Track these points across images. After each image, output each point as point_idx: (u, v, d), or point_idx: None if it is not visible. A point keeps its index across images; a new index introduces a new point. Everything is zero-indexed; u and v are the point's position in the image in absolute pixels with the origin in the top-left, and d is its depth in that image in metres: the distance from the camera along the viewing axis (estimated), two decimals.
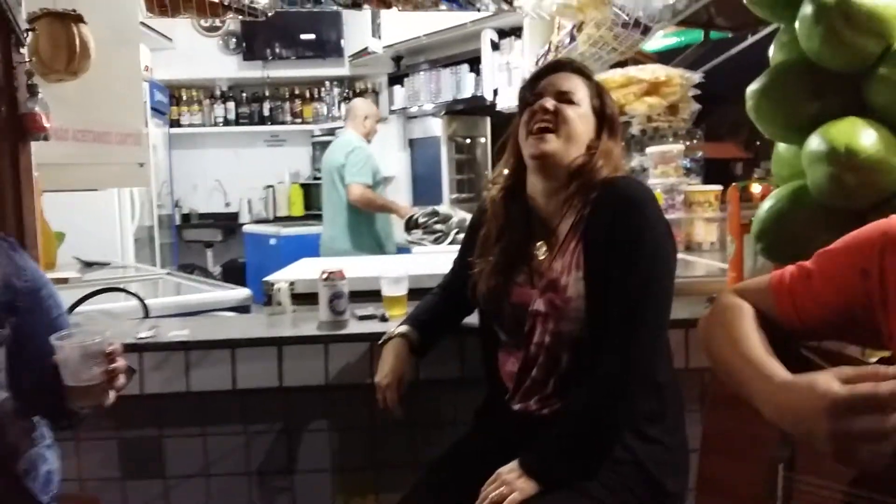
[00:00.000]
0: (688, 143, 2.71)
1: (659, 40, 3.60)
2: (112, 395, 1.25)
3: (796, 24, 1.49)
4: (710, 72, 2.88)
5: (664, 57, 3.45)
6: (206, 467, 1.88)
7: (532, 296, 1.42)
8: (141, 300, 2.17)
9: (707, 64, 3.02)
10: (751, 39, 2.93)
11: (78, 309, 2.06)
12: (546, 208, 1.47)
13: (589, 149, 1.44)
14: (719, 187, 2.56)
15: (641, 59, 3.13)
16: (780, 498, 1.02)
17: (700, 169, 2.75)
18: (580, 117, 1.44)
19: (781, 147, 1.67)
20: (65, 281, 2.22)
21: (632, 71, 2.62)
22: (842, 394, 0.83)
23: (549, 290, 1.40)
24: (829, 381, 0.85)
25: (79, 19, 2.05)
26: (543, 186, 1.46)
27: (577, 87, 1.46)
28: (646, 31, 2.42)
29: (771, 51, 1.71)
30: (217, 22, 5.72)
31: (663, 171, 2.57)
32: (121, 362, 1.24)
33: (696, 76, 2.68)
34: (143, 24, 3.77)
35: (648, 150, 2.65)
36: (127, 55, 2.52)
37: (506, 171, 1.54)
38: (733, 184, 1.89)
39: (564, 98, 1.44)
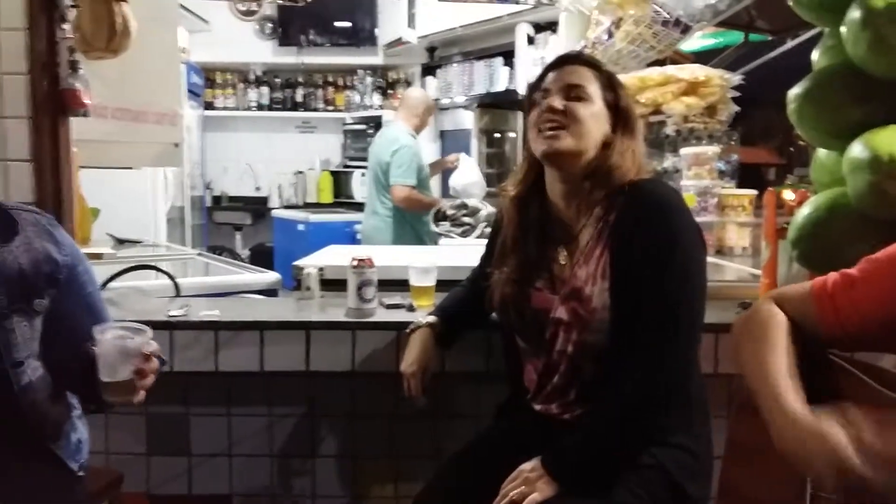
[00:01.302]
0: (723, 145, 2.68)
1: (697, 41, 3.56)
2: (142, 394, 1.27)
3: (842, 29, 1.46)
4: (746, 75, 2.84)
5: (702, 57, 3.41)
6: (229, 447, 1.92)
7: (553, 302, 1.39)
8: (172, 279, 2.20)
9: (745, 66, 2.98)
10: (790, 43, 2.89)
11: (111, 285, 2.09)
12: (566, 211, 1.42)
13: (605, 145, 1.38)
14: (754, 191, 2.53)
15: (679, 58, 3.10)
16: None
17: (734, 172, 2.72)
18: (592, 115, 1.37)
19: (822, 153, 1.64)
20: (99, 256, 2.26)
21: (670, 69, 2.59)
22: (848, 453, 0.85)
23: (572, 298, 1.36)
24: (837, 433, 0.86)
25: None
26: (561, 188, 1.41)
27: (588, 81, 1.39)
28: (686, 30, 2.39)
29: (814, 55, 1.68)
30: (254, 6, 5.75)
31: (697, 172, 2.55)
32: (154, 363, 1.26)
33: (736, 77, 2.64)
34: (181, 5, 3.80)
35: (682, 151, 2.63)
36: (165, 36, 2.55)
37: (520, 177, 1.49)
38: (769, 188, 1.87)
39: (574, 94, 1.38)
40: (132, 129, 2.41)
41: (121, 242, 3.30)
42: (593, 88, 1.39)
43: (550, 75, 1.42)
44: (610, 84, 1.42)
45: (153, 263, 2.44)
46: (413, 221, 4.05)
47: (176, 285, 2.19)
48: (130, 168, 3.28)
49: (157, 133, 2.54)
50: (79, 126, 1.97)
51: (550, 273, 1.42)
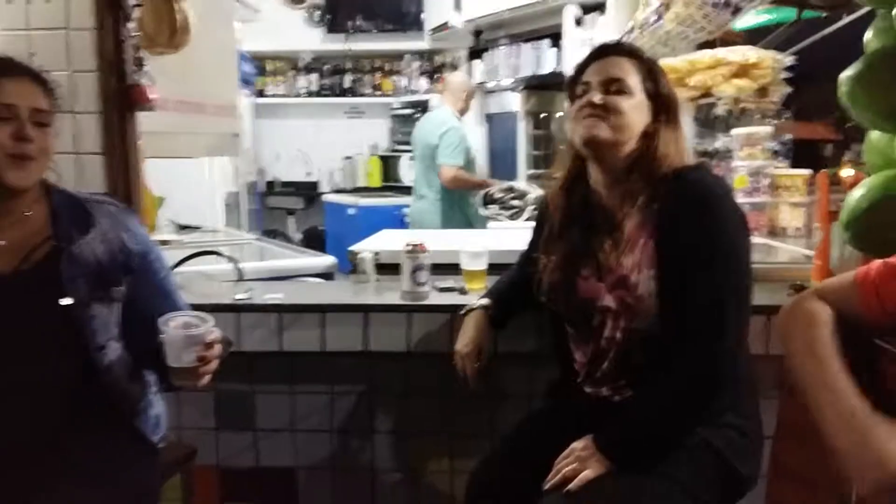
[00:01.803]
0: (776, 122, 2.64)
1: (749, 18, 3.48)
2: (206, 378, 1.33)
3: (894, 12, 1.44)
4: (802, 50, 2.79)
5: (753, 35, 3.34)
6: (292, 423, 2.01)
7: (600, 290, 1.41)
8: (236, 264, 2.30)
9: (799, 44, 2.92)
10: (846, 19, 2.82)
11: (177, 270, 2.20)
12: (609, 200, 1.43)
13: (646, 134, 1.38)
14: (807, 171, 2.50)
15: (730, 37, 3.05)
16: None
17: (788, 152, 2.68)
18: (633, 108, 1.37)
19: (875, 135, 1.63)
20: (166, 243, 2.37)
21: (721, 52, 2.56)
22: None
23: (618, 286, 1.38)
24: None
25: None
26: (604, 178, 1.42)
27: (629, 73, 1.39)
28: (737, 10, 2.36)
29: (867, 36, 1.65)
30: None
31: (749, 153, 2.52)
32: (216, 350, 1.32)
33: (788, 59, 2.60)
34: None
35: (734, 131, 2.60)
36: (222, 30, 2.63)
37: (564, 168, 1.50)
38: (823, 170, 1.85)
39: (615, 88, 1.38)
40: (193, 121, 2.50)
41: (182, 228, 3.43)
42: (633, 80, 1.39)
43: (591, 67, 1.42)
44: (650, 73, 1.41)
45: (215, 248, 2.54)
46: (460, 203, 4.10)
47: (239, 270, 2.29)
48: (190, 158, 3.39)
49: (216, 124, 2.63)
50: (143, 119, 2.06)
51: (596, 261, 1.44)
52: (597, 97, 1.37)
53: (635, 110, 1.38)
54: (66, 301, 1.33)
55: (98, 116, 1.94)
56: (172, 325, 1.29)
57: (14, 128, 1.30)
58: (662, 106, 1.40)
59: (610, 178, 1.42)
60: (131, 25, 2.00)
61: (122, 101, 1.97)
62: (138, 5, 2.03)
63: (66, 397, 1.33)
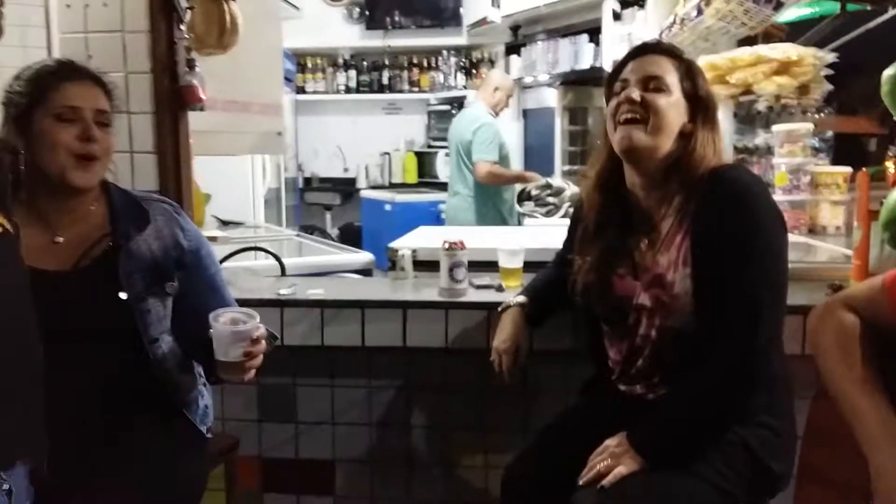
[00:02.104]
0: (817, 116, 2.61)
1: (792, 11, 3.43)
2: (251, 373, 1.39)
3: None
4: (846, 43, 2.74)
5: (796, 28, 3.29)
6: (332, 416, 2.06)
7: (636, 288, 1.42)
8: (279, 260, 2.36)
9: (843, 37, 2.87)
10: (891, 12, 2.76)
11: (223, 265, 2.26)
12: (646, 202, 1.44)
13: (682, 135, 1.38)
14: (848, 169, 2.46)
15: (772, 30, 3.01)
16: None
17: (829, 149, 2.65)
18: (671, 106, 1.37)
19: None
20: (214, 239, 2.44)
21: (762, 50, 2.53)
22: None
23: (654, 285, 1.39)
24: None
25: None
26: (640, 181, 1.43)
27: (667, 71, 1.39)
28: (778, 6, 2.33)
29: None
30: None
31: (790, 150, 2.50)
32: (262, 346, 1.37)
33: (830, 56, 2.56)
34: None
35: (775, 127, 2.57)
36: (269, 31, 2.69)
37: (599, 166, 1.50)
38: (863, 168, 1.83)
39: (653, 85, 1.38)
40: (239, 120, 2.57)
41: (225, 224, 3.52)
42: (672, 79, 1.39)
43: (629, 65, 1.43)
44: (689, 73, 1.41)
45: (259, 244, 2.61)
46: (494, 200, 4.12)
47: (282, 265, 2.35)
48: (235, 155, 3.48)
49: (261, 122, 2.69)
50: (192, 118, 2.12)
51: (632, 260, 1.45)
52: (635, 93, 1.38)
53: (673, 109, 1.38)
54: (123, 295, 1.39)
55: (151, 116, 2.00)
56: (221, 321, 1.34)
57: (80, 129, 1.36)
58: (700, 106, 1.40)
59: (647, 181, 1.43)
60: (183, 28, 2.06)
61: (174, 101, 2.02)
62: (190, 8, 2.09)
63: (121, 387, 1.40)
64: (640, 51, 1.46)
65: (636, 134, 1.37)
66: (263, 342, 1.37)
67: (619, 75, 1.44)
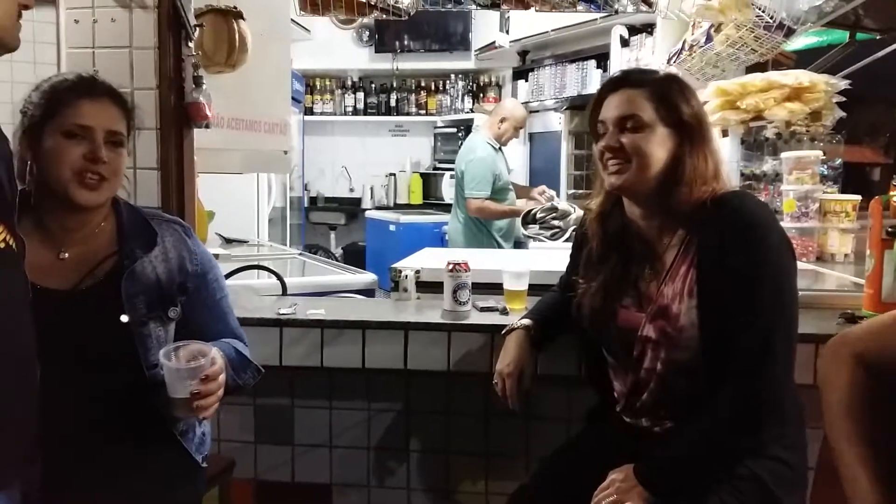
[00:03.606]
0: (826, 147, 2.59)
1: (800, 39, 3.44)
2: (204, 412, 1.29)
3: None
4: (851, 73, 2.74)
5: (805, 56, 3.30)
6: (330, 438, 2.02)
7: (640, 320, 1.39)
8: (280, 279, 2.34)
9: (852, 66, 2.87)
10: None
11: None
12: (647, 232, 1.42)
13: (673, 160, 1.34)
14: (857, 197, 2.44)
15: (781, 59, 3.02)
16: None
17: (838, 176, 2.63)
18: (651, 142, 1.33)
19: None
20: (216, 257, 2.41)
21: (774, 75, 2.52)
22: None
23: (659, 317, 1.36)
24: None
25: (238, 16, 2.21)
26: (639, 211, 1.41)
27: (641, 107, 1.35)
28: (789, 33, 2.33)
29: None
30: (354, 17, 5.94)
31: (798, 177, 2.48)
32: (212, 385, 1.28)
33: (842, 83, 2.55)
34: None
35: (784, 154, 2.56)
36: (278, 50, 2.70)
37: (600, 199, 1.48)
38: (876, 196, 1.81)
39: (630, 125, 1.35)
40: (246, 138, 2.57)
41: (228, 242, 3.51)
42: (647, 114, 1.35)
43: (605, 102, 1.40)
44: (664, 100, 1.35)
45: (261, 263, 2.59)
46: (488, 226, 4.10)
47: (283, 284, 2.33)
48: (240, 173, 3.47)
49: (268, 141, 2.69)
50: (198, 135, 2.11)
51: (637, 291, 1.42)
52: (614, 140, 1.36)
53: (654, 144, 1.34)
54: (125, 318, 1.36)
55: (156, 133, 1.99)
56: (162, 358, 1.27)
57: (87, 149, 1.33)
58: (686, 130, 1.36)
59: (644, 211, 1.41)
60: (192, 45, 2.06)
61: (179, 118, 2.01)
62: (199, 25, 2.10)
63: (117, 412, 1.36)
64: (612, 86, 1.41)
65: (623, 176, 1.36)
66: (217, 381, 1.29)
67: (598, 115, 1.42)
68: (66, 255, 1.38)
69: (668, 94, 1.37)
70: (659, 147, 1.35)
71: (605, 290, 1.44)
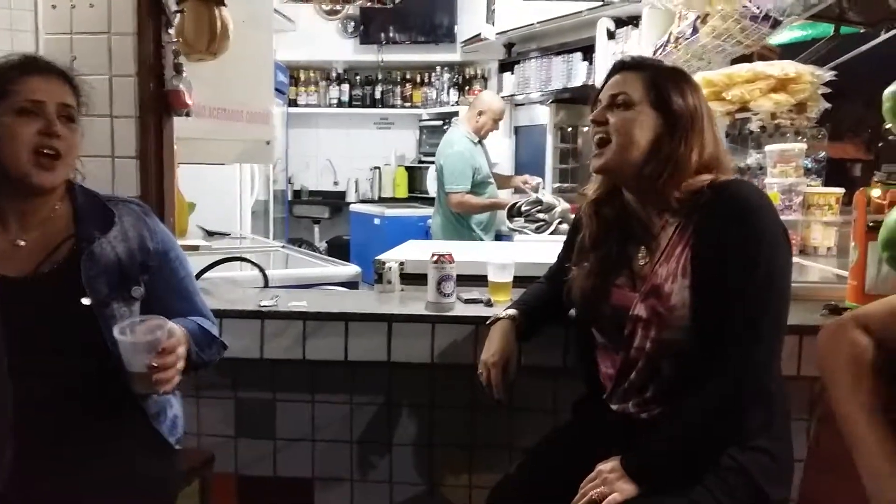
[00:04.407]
0: (810, 141, 2.60)
1: (785, 33, 3.44)
2: (164, 386, 1.27)
3: None
4: (834, 68, 2.74)
5: (790, 50, 3.30)
6: (312, 432, 1.99)
7: (632, 299, 1.39)
8: (262, 271, 2.30)
9: (836, 60, 2.88)
10: (883, 36, 2.77)
11: (205, 275, 2.21)
12: (644, 213, 1.42)
13: (658, 148, 1.35)
14: (841, 190, 2.45)
15: (765, 52, 3.02)
16: None
17: (821, 169, 2.64)
18: (632, 121, 1.36)
19: None
20: (195, 248, 2.38)
21: (760, 66, 2.52)
22: None
23: (651, 295, 1.36)
24: None
25: (220, 2, 2.16)
26: (633, 196, 1.43)
27: (632, 87, 1.38)
28: (775, 24, 2.33)
29: None
30: (338, 6, 5.89)
31: (782, 170, 2.48)
32: (171, 357, 1.27)
33: (828, 74, 2.55)
34: None
35: (768, 147, 2.56)
36: (261, 39, 2.66)
37: (597, 184, 1.49)
38: (861, 188, 1.81)
39: (616, 102, 1.38)
40: (227, 128, 2.53)
41: (210, 234, 3.46)
42: (636, 94, 1.37)
43: (604, 87, 1.44)
44: (655, 84, 1.38)
45: (243, 255, 2.55)
46: (468, 222, 4.09)
47: (265, 276, 2.30)
48: (222, 164, 3.43)
49: (250, 131, 2.65)
50: (179, 124, 2.07)
51: (630, 270, 1.43)
52: (599, 114, 1.39)
53: (636, 123, 1.36)
54: (87, 301, 1.34)
55: (135, 121, 1.95)
56: (116, 332, 1.26)
57: (42, 124, 1.31)
58: (674, 116, 1.36)
59: (639, 197, 1.42)
60: (172, 31, 2.03)
61: (159, 105, 1.98)
62: (180, 11, 2.06)
63: (85, 395, 1.34)
64: (614, 70, 1.46)
65: (604, 155, 1.38)
66: (176, 355, 1.28)
67: (597, 97, 1.45)
68: (22, 242, 1.36)
69: (662, 80, 1.39)
70: (642, 129, 1.36)
71: (600, 270, 1.45)
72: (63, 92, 1.36)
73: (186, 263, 1.54)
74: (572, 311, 1.56)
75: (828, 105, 2.60)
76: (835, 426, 1.11)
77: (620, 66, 1.45)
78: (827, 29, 3.14)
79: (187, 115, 2.00)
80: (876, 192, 1.75)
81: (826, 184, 2.59)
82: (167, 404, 1.50)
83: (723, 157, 1.40)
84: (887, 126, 1.69)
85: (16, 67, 1.34)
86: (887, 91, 1.51)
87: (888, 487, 0.98)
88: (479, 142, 4.13)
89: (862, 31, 2.98)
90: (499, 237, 4.19)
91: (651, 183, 1.37)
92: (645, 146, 1.36)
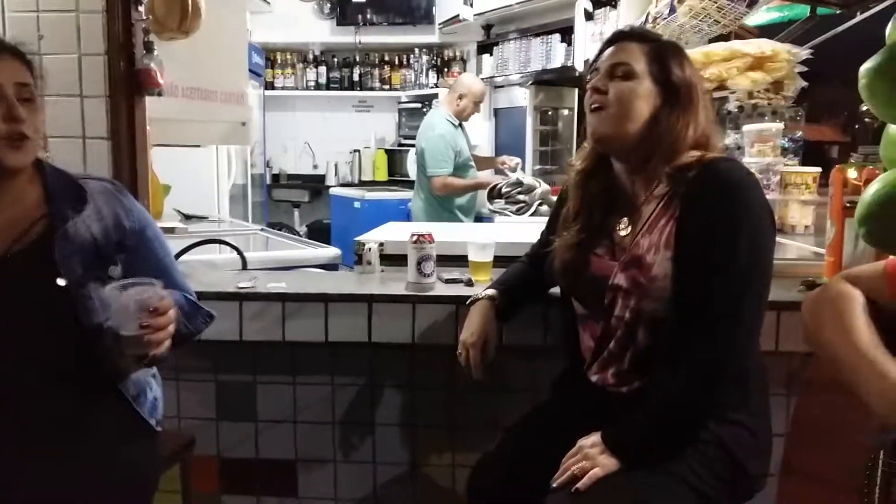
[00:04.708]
0: (788, 121, 2.61)
1: (762, 14, 3.45)
2: (158, 349, 1.26)
3: None
4: (811, 49, 2.76)
5: (767, 31, 3.31)
6: (294, 414, 1.99)
7: (612, 268, 1.39)
8: (240, 253, 2.28)
9: (812, 40, 2.89)
10: (859, 17, 2.78)
11: (182, 258, 2.18)
12: (629, 185, 1.42)
13: (654, 120, 1.35)
14: (818, 169, 2.47)
15: (743, 32, 3.02)
16: (878, 484, 1.01)
17: (799, 149, 2.65)
18: (634, 92, 1.35)
19: (893, 129, 1.60)
20: (171, 231, 2.34)
21: (736, 44, 2.52)
22: None
23: (632, 266, 1.35)
24: None
25: None
26: (622, 166, 1.42)
27: (634, 58, 1.37)
28: (752, 4, 2.33)
29: (888, 29, 1.62)
30: None
31: (760, 150, 2.49)
32: (164, 319, 1.25)
33: (804, 52, 2.56)
34: None
35: (745, 127, 2.57)
36: (234, 18, 2.62)
37: (585, 154, 1.50)
38: (837, 166, 1.82)
39: (619, 72, 1.37)
40: (202, 108, 2.49)
41: (188, 218, 3.42)
42: (639, 65, 1.37)
43: (604, 54, 1.42)
44: (658, 57, 1.38)
45: (221, 238, 2.52)
46: (449, 204, 4.08)
47: (243, 259, 2.27)
48: (199, 146, 3.38)
49: (225, 112, 2.61)
50: (152, 105, 2.04)
51: (611, 241, 1.43)
52: (600, 82, 1.38)
53: (637, 94, 1.36)
54: (62, 282, 1.31)
55: (105, 100, 1.92)
56: (106, 291, 1.24)
57: (3, 109, 1.27)
58: (671, 91, 1.37)
59: (628, 166, 1.42)
60: (141, 9, 1.99)
61: (129, 85, 1.95)
62: None
63: (62, 377, 1.32)
64: (614, 38, 1.45)
65: (601, 122, 1.37)
66: (168, 316, 1.26)
67: (595, 65, 1.43)
68: None
69: (663, 53, 1.39)
70: (642, 101, 1.36)
71: (581, 240, 1.45)
72: (17, 70, 1.31)
73: (164, 241, 1.52)
74: (554, 290, 1.56)
75: (804, 84, 2.61)
76: (815, 394, 1.13)
77: (621, 36, 1.43)
78: (803, 10, 3.16)
79: (159, 94, 1.97)
80: (852, 174, 1.76)
81: (803, 164, 2.60)
82: (147, 386, 1.48)
83: (712, 135, 1.40)
84: (864, 108, 1.70)
85: None
86: (863, 68, 1.51)
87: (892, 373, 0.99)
88: (460, 125, 4.11)
89: (838, 12, 3.00)
90: (479, 219, 4.18)
91: (644, 155, 1.37)
92: (643, 118, 1.36)
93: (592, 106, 1.39)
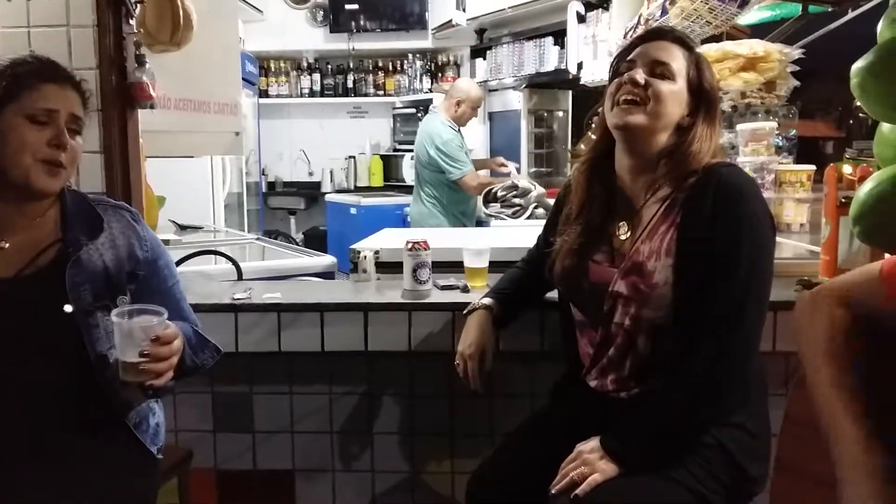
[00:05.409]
0: (781, 120, 2.61)
1: (754, 13, 3.45)
2: (157, 380, 1.23)
3: None
4: (804, 47, 2.76)
5: (759, 30, 3.32)
6: (291, 424, 1.98)
7: (611, 275, 1.38)
8: (235, 263, 2.27)
9: (804, 38, 2.89)
10: (851, 14, 2.79)
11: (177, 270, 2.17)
12: (632, 187, 1.41)
13: (680, 127, 1.36)
14: (812, 167, 2.47)
15: (735, 32, 3.03)
16: None
17: (793, 147, 2.65)
18: (673, 94, 1.34)
19: (886, 127, 1.60)
20: (166, 243, 2.34)
21: (728, 45, 2.53)
22: None
23: (632, 273, 1.35)
24: None
25: None
26: (630, 164, 1.40)
27: (675, 59, 1.36)
28: (743, 4, 2.34)
29: (879, 27, 1.62)
30: None
31: (754, 148, 2.49)
32: (166, 349, 1.23)
33: (796, 52, 2.57)
34: None
35: (739, 126, 2.57)
36: (225, 28, 2.61)
37: (591, 144, 1.48)
38: (831, 164, 1.82)
39: (659, 71, 1.35)
40: (195, 119, 2.48)
41: (183, 228, 3.41)
42: (679, 67, 1.36)
43: (639, 48, 1.40)
44: (697, 64, 1.38)
45: (216, 248, 2.52)
46: (456, 206, 4.07)
47: (238, 269, 2.27)
48: (192, 156, 3.37)
49: (218, 122, 2.61)
50: (144, 117, 2.03)
51: (610, 247, 1.41)
52: (640, 76, 1.35)
53: (674, 97, 1.35)
54: (69, 308, 1.30)
55: (97, 114, 1.91)
56: (113, 317, 1.22)
57: (52, 134, 1.29)
58: (703, 100, 1.37)
59: (637, 166, 1.40)
60: (133, 22, 1.98)
61: (122, 98, 1.94)
62: (140, 2, 2.01)
63: (65, 404, 1.30)
64: (653, 35, 1.43)
65: (634, 114, 1.35)
66: (171, 347, 1.24)
67: (627, 56, 1.41)
68: (7, 244, 1.32)
69: (700, 60, 1.40)
70: (676, 103, 1.36)
71: (580, 245, 1.43)
72: (75, 103, 1.34)
73: (175, 271, 1.51)
74: (552, 294, 1.54)
75: (797, 83, 2.61)
76: (806, 392, 1.13)
77: (662, 34, 1.42)
78: (795, 9, 3.16)
79: (152, 107, 1.96)
80: (847, 169, 1.76)
81: (797, 162, 2.61)
82: (149, 412, 1.46)
83: (719, 142, 1.40)
84: (857, 104, 1.70)
85: (34, 73, 1.32)
86: (854, 67, 1.51)
87: (864, 485, 1.00)
88: (458, 130, 4.12)
89: (829, 9, 3.00)
90: (479, 223, 4.18)
91: (661, 157, 1.36)
92: (673, 122, 1.36)
93: (626, 98, 1.35)
